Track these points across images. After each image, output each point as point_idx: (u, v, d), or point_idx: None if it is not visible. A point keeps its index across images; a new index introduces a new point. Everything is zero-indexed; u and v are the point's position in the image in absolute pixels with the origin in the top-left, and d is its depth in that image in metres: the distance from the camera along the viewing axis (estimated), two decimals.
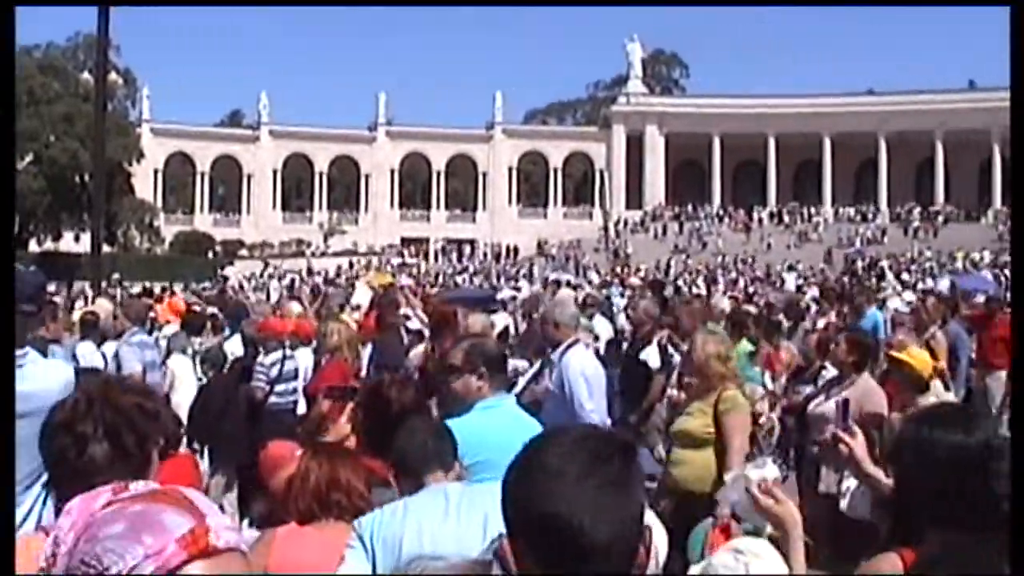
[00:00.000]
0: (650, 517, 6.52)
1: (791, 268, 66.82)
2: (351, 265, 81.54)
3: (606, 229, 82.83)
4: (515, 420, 5.98)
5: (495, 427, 5.65)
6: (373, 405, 5.91)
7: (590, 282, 47.47)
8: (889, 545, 3.47)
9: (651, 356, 13.32)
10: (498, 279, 67.60)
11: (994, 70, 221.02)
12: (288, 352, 12.88)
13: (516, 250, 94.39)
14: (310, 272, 74.44)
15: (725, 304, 20.81)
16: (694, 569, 3.77)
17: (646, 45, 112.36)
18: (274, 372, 12.49)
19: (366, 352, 12.73)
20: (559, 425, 2.47)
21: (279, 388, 12.43)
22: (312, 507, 4.74)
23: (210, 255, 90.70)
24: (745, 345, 13.72)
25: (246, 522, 6.28)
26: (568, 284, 33.33)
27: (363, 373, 11.49)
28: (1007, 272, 48.94)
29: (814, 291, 38.31)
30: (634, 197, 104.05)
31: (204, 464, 11.76)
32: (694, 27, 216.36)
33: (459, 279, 71.46)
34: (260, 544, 4.64)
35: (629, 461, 2.26)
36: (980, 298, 21.58)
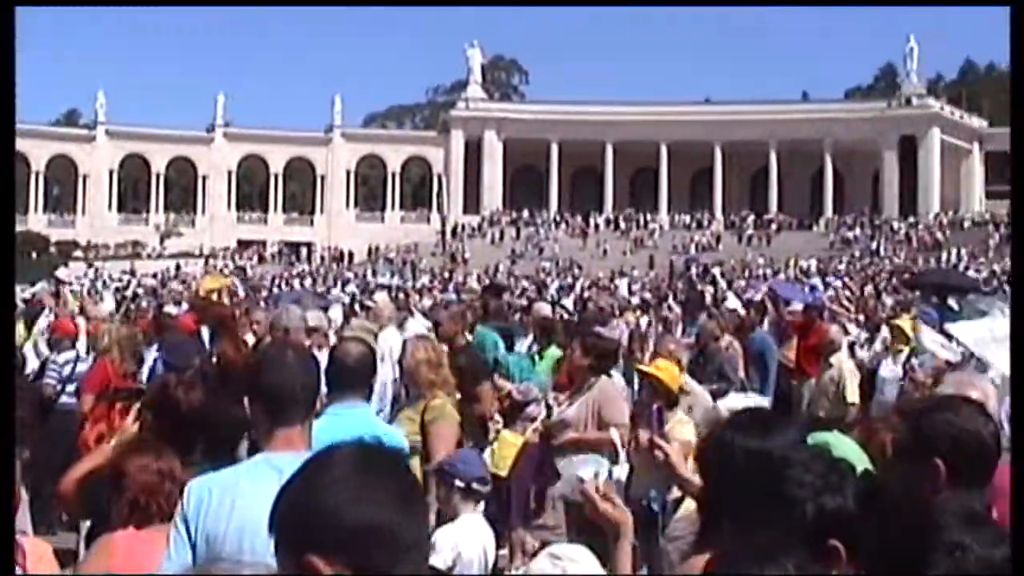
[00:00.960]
0: (481, 520, 6.34)
1: (623, 274, 67.46)
2: (178, 268, 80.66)
3: (443, 234, 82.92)
4: (356, 429, 5.63)
5: (328, 436, 5.39)
6: (161, 406, 5.86)
7: (420, 290, 46.89)
8: (700, 547, 3.54)
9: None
10: (334, 283, 67.19)
11: (827, 82, 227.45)
12: (82, 354, 13.05)
13: (352, 254, 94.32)
14: (133, 274, 72.88)
15: (546, 310, 20.79)
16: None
17: (486, 51, 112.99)
18: (67, 371, 12.76)
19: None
20: (333, 444, 2.46)
21: (70, 388, 12.57)
22: (149, 501, 4.67)
23: (43, 256, 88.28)
24: (555, 351, 13.77)
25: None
26: (393, 289, 33.05)
27: (146, 373, 11.58)
28: (831, 280, 50.11)
29: (645, 296, 38.64)
30: (472, 202, 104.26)
31: None
32: (534, 33, 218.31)
33: (295, 283, 70.72)
34: (99, 549, 4.61)
35: (407, 470, 2.50)
36: (798, 306, 21.80)
